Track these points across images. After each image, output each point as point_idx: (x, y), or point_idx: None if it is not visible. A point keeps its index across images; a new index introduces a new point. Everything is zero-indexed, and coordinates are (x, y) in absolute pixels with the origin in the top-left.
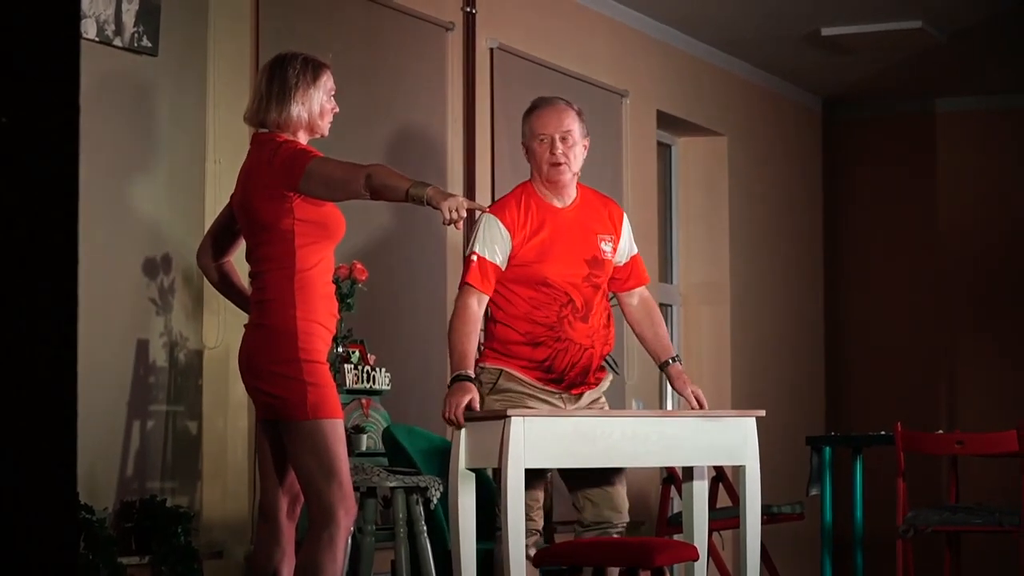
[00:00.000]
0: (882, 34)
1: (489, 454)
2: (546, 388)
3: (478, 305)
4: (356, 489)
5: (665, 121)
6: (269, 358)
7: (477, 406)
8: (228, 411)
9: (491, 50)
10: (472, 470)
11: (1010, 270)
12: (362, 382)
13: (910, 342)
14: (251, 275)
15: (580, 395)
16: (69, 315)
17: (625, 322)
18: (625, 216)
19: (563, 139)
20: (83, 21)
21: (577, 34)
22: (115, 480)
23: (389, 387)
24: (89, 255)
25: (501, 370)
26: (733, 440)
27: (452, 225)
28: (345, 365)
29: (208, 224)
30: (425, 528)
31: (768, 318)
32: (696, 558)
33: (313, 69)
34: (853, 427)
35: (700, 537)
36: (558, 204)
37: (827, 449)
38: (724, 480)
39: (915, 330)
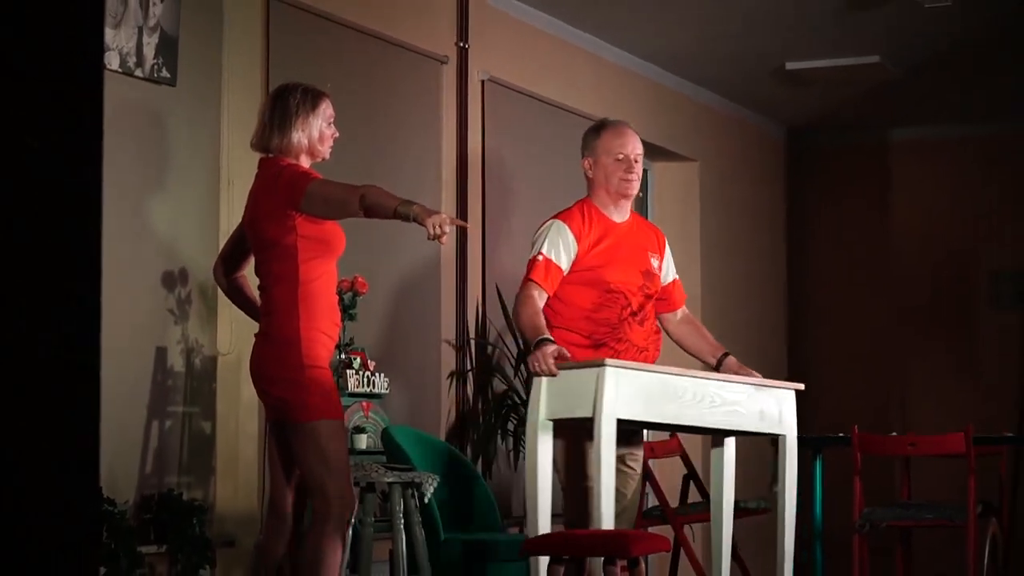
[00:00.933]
0: (841, 68)
1: (571, 405)
2: None
3: (539, 299)
4: (356, 484)
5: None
6: (276, 365)
7: (567, 356)
8: (240, 413)
9: (482, 82)
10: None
11: (958, 285)
12: (363, 386)
13: (867, 351)
14: (260, 288)
15: None
16: (93, 324)
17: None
18: (667, 241)
19: (636, 160)
20: (107, 54)
21: (562, 67)
22: (135, 475)
23: (387, 391)
24: (112, 269)
25: None
26: (777, 410)
27: (436, 240)
28: (347, 371)
29: (222, 241)
30: (420, 520)
31: (736, 328)
32: (668, 549)
33: (312, 98)
34: (814, 430)
35: (727, 501)
36: (617, 219)
37: None
38: (695, 478)
39: (871, 341)
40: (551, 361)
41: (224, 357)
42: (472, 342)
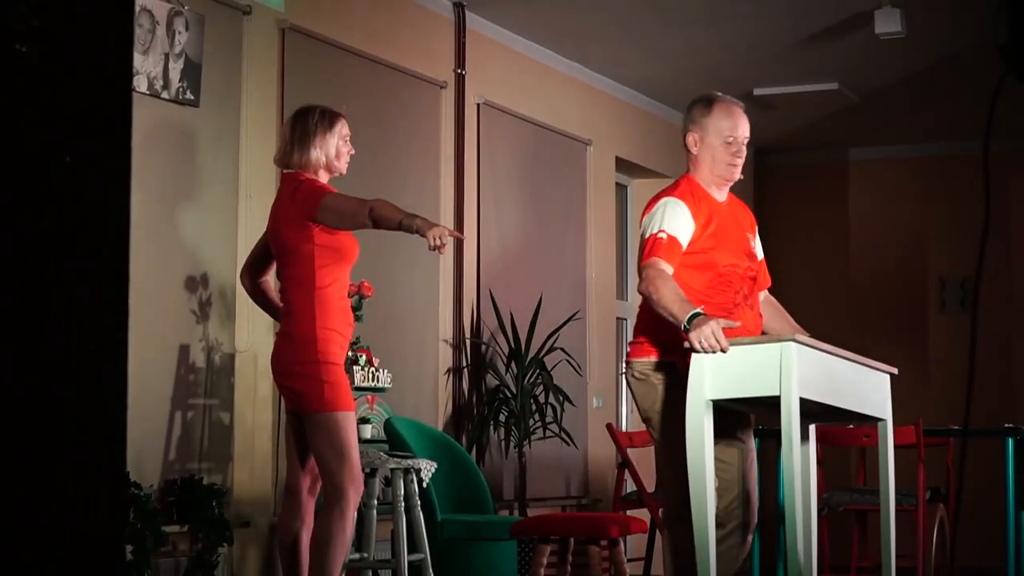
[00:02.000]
0: (804, 94)
1: (741, 384)
2: None
3: (670, 273)
4: (362, 470)
5: (622, 165)
6: (293, 360)
7: (734, 326)
8: (255, 405)
9: (478, 105)
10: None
11: (909, 290)
12: (368, 381)
13: None
14: (280, 291)
15: None
16: (120, 323)
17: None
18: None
19: (743, 143)
20: (135, 77)
21: (550, 92)
22: (160, 461)
23: (390, 385)
24: (140, 273)
25: (663, 364)
26: (880, 394)
27: (436, 250)
28: (354, 367)
29: (241, 248)
30: (419, 502)
31: None
32: (645, 530)
33: (329, 118)
34: (777, 423)
35: (814, 491)
36: (719, 198)
37: (756, 440)
38: (629, 466)
39: (830, 341)
40: (723, 337)
41: (241, 354)
42: (467, 341)
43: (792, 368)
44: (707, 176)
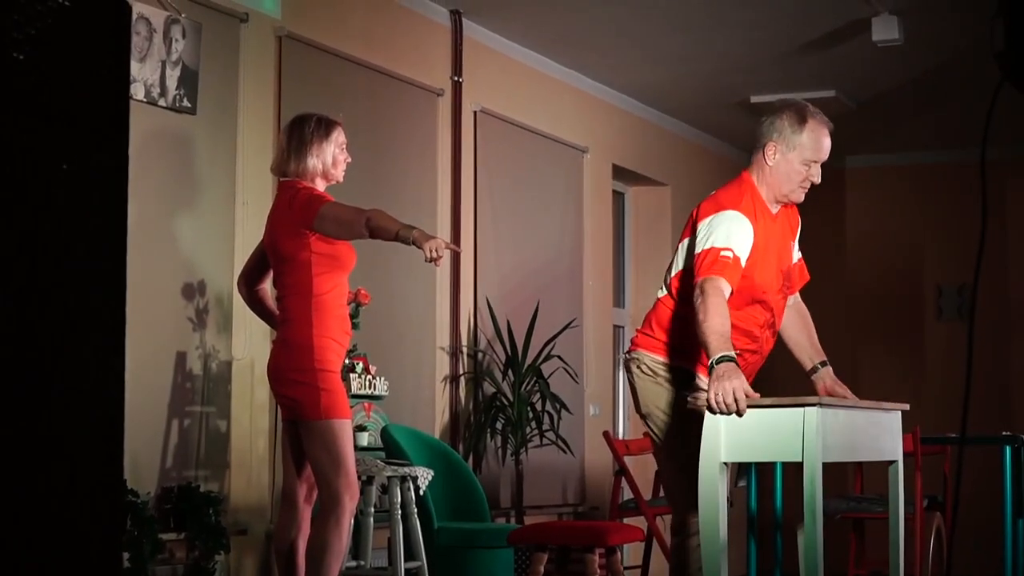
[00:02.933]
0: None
1: (759, 447)
2: None
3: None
4: (358, 478)
5: (619, 173)
6: (290, 367)
7: (755, 397)
8: (252, 412)
9: (475, 112)
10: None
11: (906, 298)
12: (365, 389)
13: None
14: (277, 299)
15: None
16: (118, 330)
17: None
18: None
19: (820, 165)
20: (133, 85)
21: (547, 99)
22: (157, 469)
23: (387, 393)
24: (137, 280)
25: (674, 367)
26: (891, 435)
27: (432, 263)
28: (351, 374)
29: (237, 255)
30: (416, 510)
31: None
32: (642, 538)
33: (326, 126)
34: None
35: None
36: (773, 210)
37: None
38: (626, 474)
39: (825, 345)
40: (743, 399)
41: (238, 361)
42: (464, 349)
43: (815, 435)
44: (773, 191)
